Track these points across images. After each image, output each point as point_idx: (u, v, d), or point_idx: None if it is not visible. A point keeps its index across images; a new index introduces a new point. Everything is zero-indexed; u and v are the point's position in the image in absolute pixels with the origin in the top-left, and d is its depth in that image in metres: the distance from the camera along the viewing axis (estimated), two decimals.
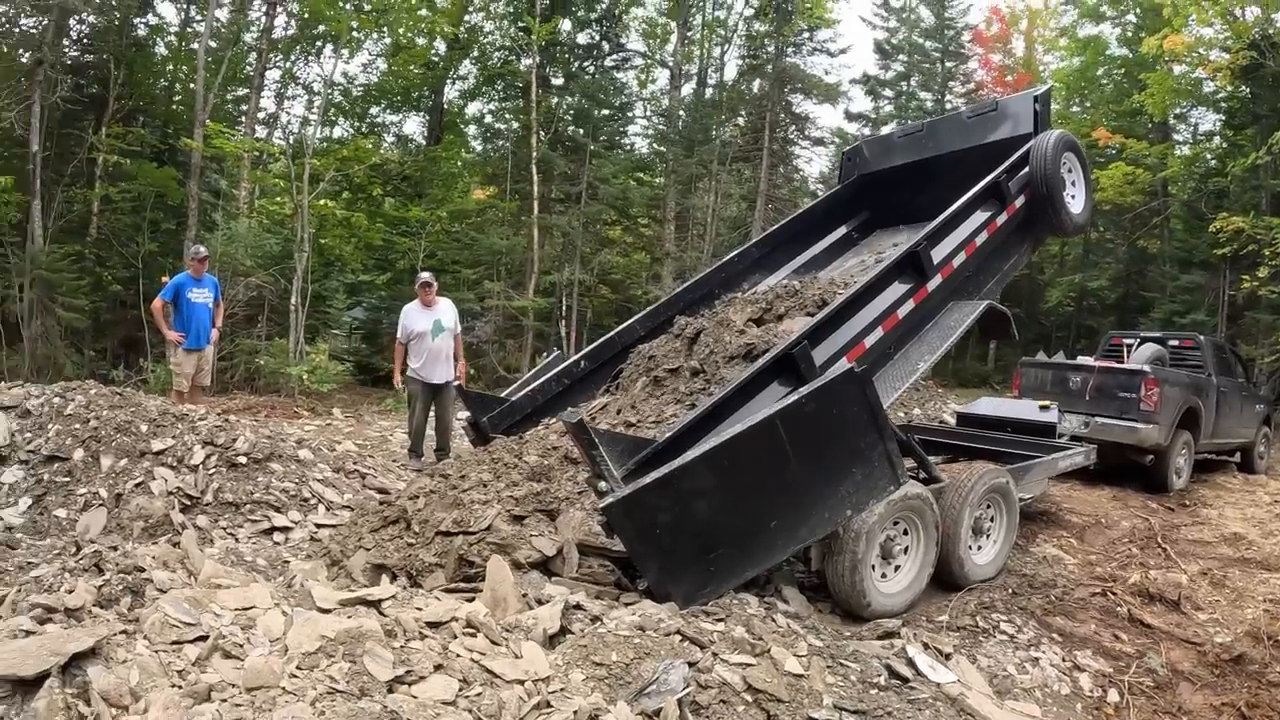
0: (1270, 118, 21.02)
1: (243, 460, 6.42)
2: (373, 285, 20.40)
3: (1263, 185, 21.42)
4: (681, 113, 27.22)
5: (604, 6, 25.57)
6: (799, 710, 3.23)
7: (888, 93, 34.10)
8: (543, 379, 7.02)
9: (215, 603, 3.45)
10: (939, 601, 5.45)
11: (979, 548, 6.02)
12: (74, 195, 17.57)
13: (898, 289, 5.77)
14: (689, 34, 27.45)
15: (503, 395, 7.08)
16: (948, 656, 4.39)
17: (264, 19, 20.63)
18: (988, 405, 10.30)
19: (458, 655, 3.18)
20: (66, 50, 18.15)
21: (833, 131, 31.74)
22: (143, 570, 3.79)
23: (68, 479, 5.85)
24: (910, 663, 3.99)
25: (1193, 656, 5.08)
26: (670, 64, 27.25)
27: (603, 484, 4.12)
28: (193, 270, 9.47)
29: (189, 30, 20.87)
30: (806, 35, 28.61)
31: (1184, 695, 4.59)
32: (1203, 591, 6.34)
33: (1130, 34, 28.24)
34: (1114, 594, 6.07)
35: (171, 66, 21.09)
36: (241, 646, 3.12)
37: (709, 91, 29.31)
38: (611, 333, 7.45)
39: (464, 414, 7.22)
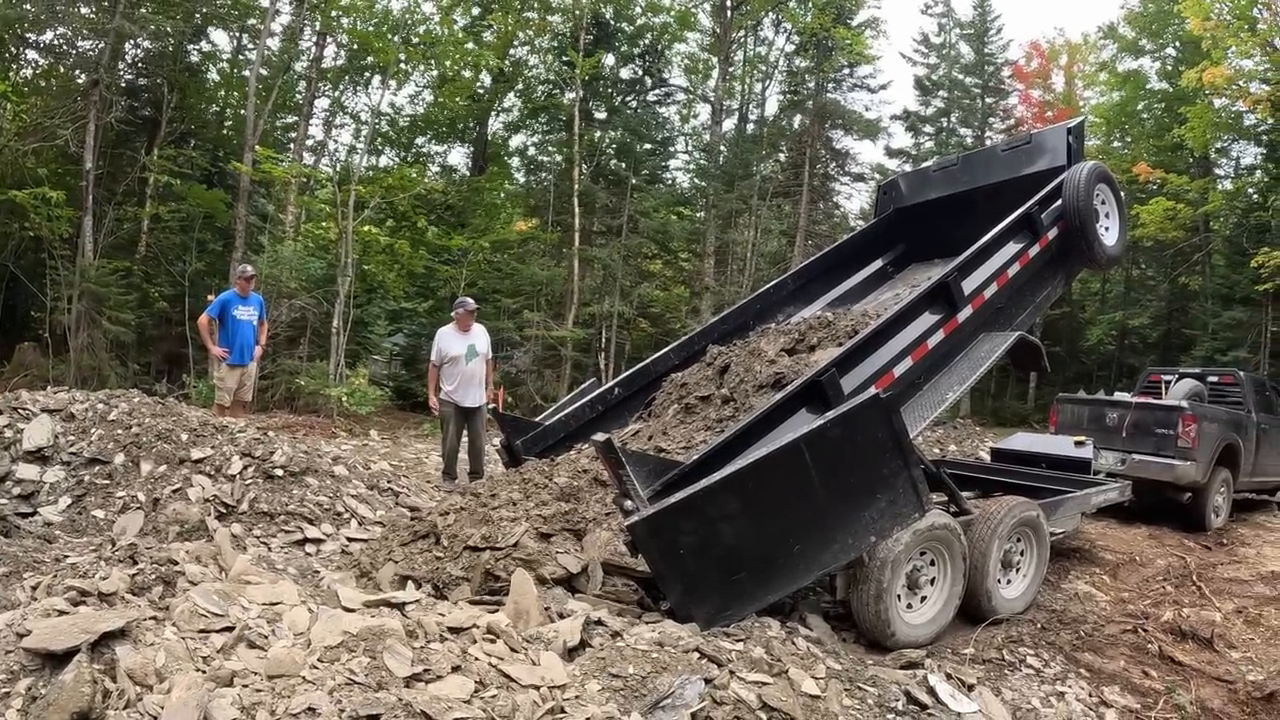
0: None
1: (279, 473, 6.56)
2: (414, 313, 20.65)
3: None
4: (722, 148, 27.39)
5: (647, 42, 25.85)
6: None
7: (928, 129, 34.13)
8: (577, 405, 7.10)
9: (244, 597, 3.59)
10: (965, 634, 5.41)
11: (1008, 581, 5.97)
12: (125, 213, 18.10)
13: (928, 319, 5.80)
14: (730, 69, 27.60)
15: (537, 420, 7.17)
16: (971, 688, 4.33)
17: (314, 49, 21.22)
18: (1022, 441, 10.21)
19: (476, 659, 3.24)
20: (122, 73, 18.80)
21: (873, 167, 31.82)
22: (176, 563, 3.92)
23: (107, 481, 6.03)
24: (931, 691, 3.95)
25: (1223, 694, 4.99)
26: (712, 99, 27.38)
27: (629, 503, 4.17)
28: (239, 288, 9.71)
29: (240, 57, 21.53)
30: (847, 71, 28.82)
31: None
32: (1237, 630, 6.22)
33: (1170, 68, 28.10)
34: (1145, 631, 5.98)
35: (223, 92, 21.73)
36: (266, 638, 3.24)
37: (750, 127, 29.50)
38: (646, 361, 7.53)
39: (499, 437, 7.31)
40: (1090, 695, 4.79)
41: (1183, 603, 6.85)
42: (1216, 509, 10.16)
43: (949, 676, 4.31)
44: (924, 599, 5.23)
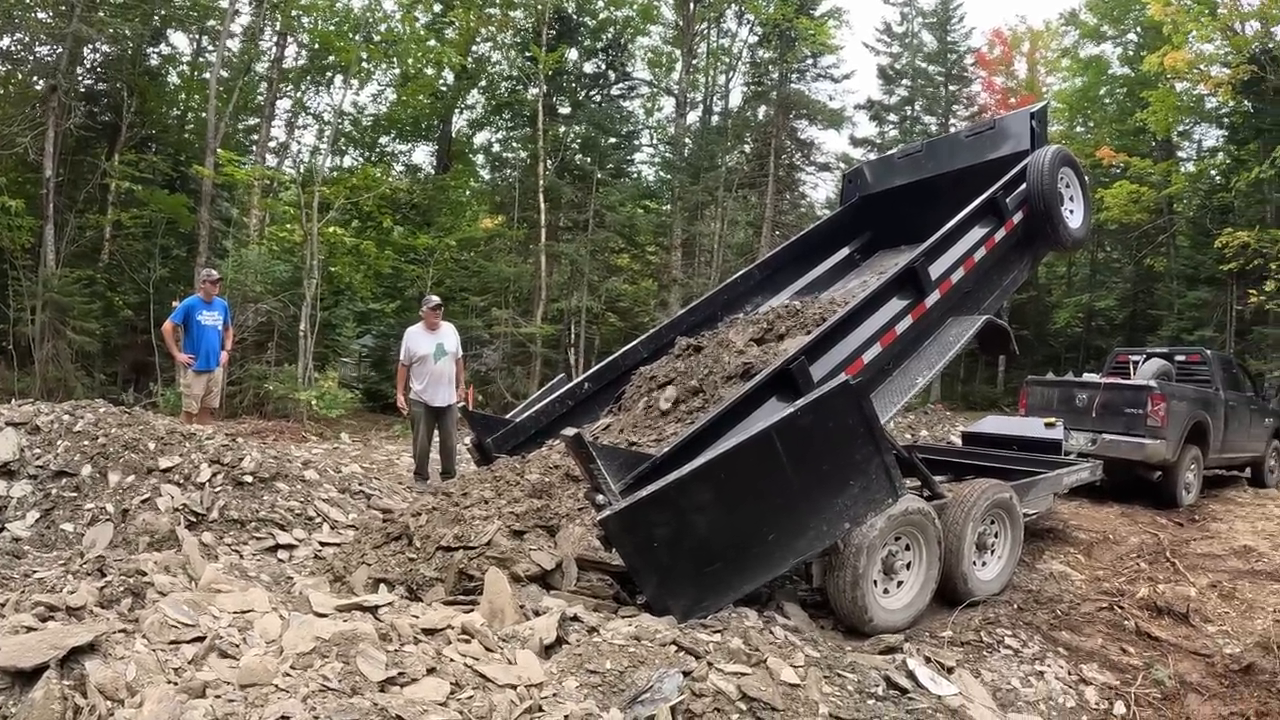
0: (1273, 131, 21.11)
1: (249, 479, 6.45)
2: (382, 313, 20.53)
3: (1267, 199, 21.50)
4: (687, 140, 27.41)
5: (610, 36, 25.81)
6: (794, 719, 3.23)
7: (892, 117, 34.39)
8: (547, 400, 7.07)
9: (214, 606, 3.54)
10: (943, 617, 5.43)
11: (983, 564, 6.01)
12: (87, 221, 17.83)
13: (896, 305, 5.81)
14: (694, 62, 27.64)
15: (507, 417, 7.12)
16: (950, 670, 4.34)
17: (274, 49, 20.98)
18: (993, 424, 10.28)
19: (451, 660, 3.21)
20: (80, 78, 18.49)
21: (838, 156, 31.95)
22: (144, 574, 3.87)
23: (75, 494, 5.92)
24: (910, 675, 3.96)
25: (1201, 668, 5.03)
26: (675, 92, 27.41)
27: (600, 497, 4.14)
28: (203, 293, 9.58)
29: (201, 60, 21.27)
30: (810, 62, 28.91)
31: (1192, 706, 4.54)
32: (1212, 604, 6.27)
33: (1131, 53, 28.43)
34: (1121, 608, 6.03)
35: (183, 95, 21.46)
36: (238, 647, 3.20)
37: (714, 119, 29.53)
38: (615, 355, 7.51)
39: (470, 435, 7.26)
40: (1069, 673, 4.83)
41: (1157, 579, 6.91)
42: (1188, 486, 10.28)
43: (928, 660, 4.33)
44: (900, 584, 5.24)
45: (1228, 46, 21.21)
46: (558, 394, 7.07)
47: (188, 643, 3.18)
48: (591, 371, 7.40)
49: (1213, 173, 25.29)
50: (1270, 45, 20.68)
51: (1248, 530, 9.05)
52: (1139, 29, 27.93)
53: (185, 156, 19.64)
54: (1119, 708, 4.48)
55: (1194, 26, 21.14)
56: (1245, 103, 22.60)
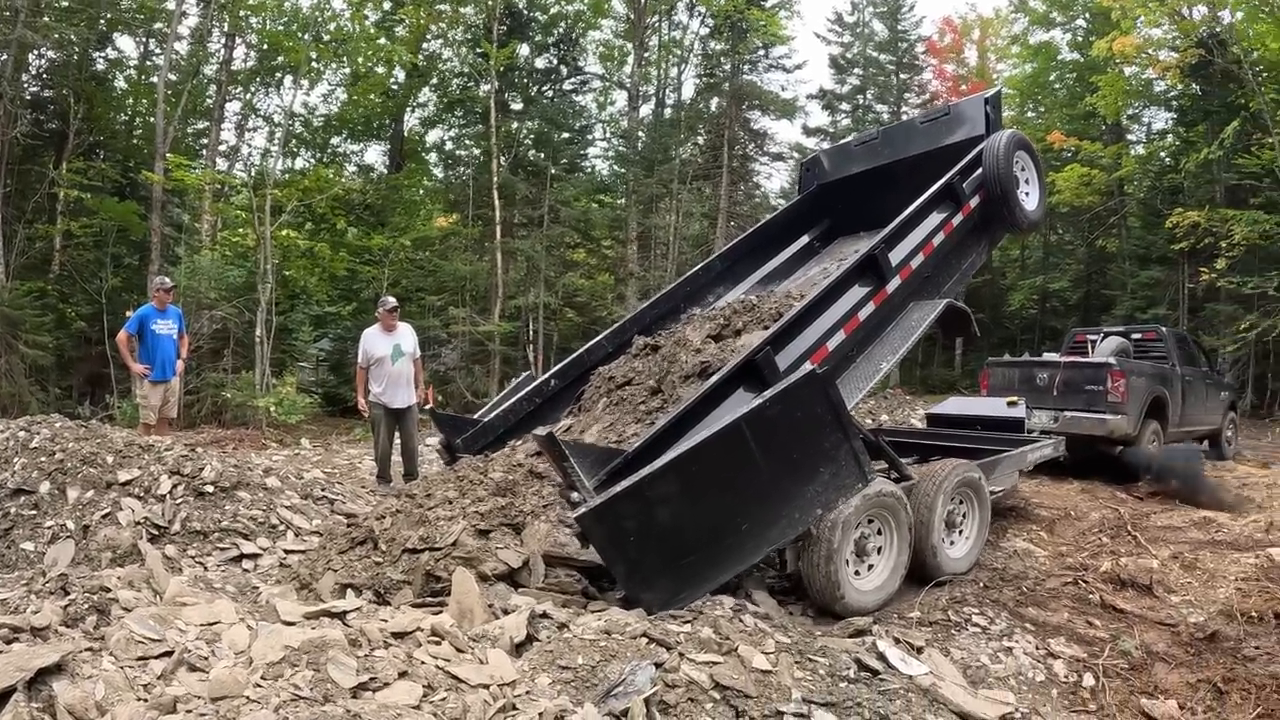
0: (1221, 113, 21.45)
1: (210, 489, 6.36)
2: (339, 316, 20.32)
3: (1216, 179, 21.86)
4: (640, 133, 27.43)
5: (561, 30, 25.75)
6: (767, 705, 3.23)
7: (844, 106, 34.62)
8: (514, 399, 7.02)
9: (181, 619, 3.48)
10: (911, 598, 5.47)
11: (952, 542, 6.06)
12: (35, 231, 17.52)
13: (858, 292, 5.84)
14: (646, 55, 27.66)
15: (475, 416, 7.07)
16: (920, 650, 4.37)
17: (223, 51, 20.66)
18: (956, 405, 10.41)
19: (422, 662, 3.18)
20: (26, 85, 18.12)
21: (791, 146, 32.23)
22: (108, 590, 3.79)
23: (34, 512, 5.81)
24: (881, 656, 3.98)
25: (1167, 637, 5.08)
26: (628, 85, 27.41)
27: (575, 494, 4.14)
28: (157, 302, 9.43)
29: (148, 63, 20.87)
30: (762, 53, 29.00)
31: (1159, 675, 4.57)
32: (1175, 575, 6.34)
33: (1080, 39, 28.74)
34: (1086, 582, 6.09)
35: (131, 100, 21.05)
36: (206, 659, 3.15)
37: (667, 111, 29.54)
38: (579, 351, 7.47)
39: (435, 438, 7.19)
40: (1037, 648, 4.85)
41: (1120, 552, 6.98)
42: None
43: (898, 641, 4.35)
44: (871, 567, 5.28)
45: (1175, 31, 21.53)
46: (524, 392, 7.02)
47: (156, 658, 3.12)
48: (558, 368, 7.35)
49: (1162, 155, 25.67)
50: (1217, 29, 21.02)
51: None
52: (1087, 15, 28.26)
53: (134, 163, 19.31)
54: (1088, 679, 4.51)
55: (1142, 12, 21.44)
56: (1193, 86, 22.99)
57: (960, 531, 6.18)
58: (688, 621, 3.87)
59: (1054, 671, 4.60)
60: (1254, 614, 5.30)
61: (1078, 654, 4.81)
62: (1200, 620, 5.32)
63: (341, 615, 3.66)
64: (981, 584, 5.89)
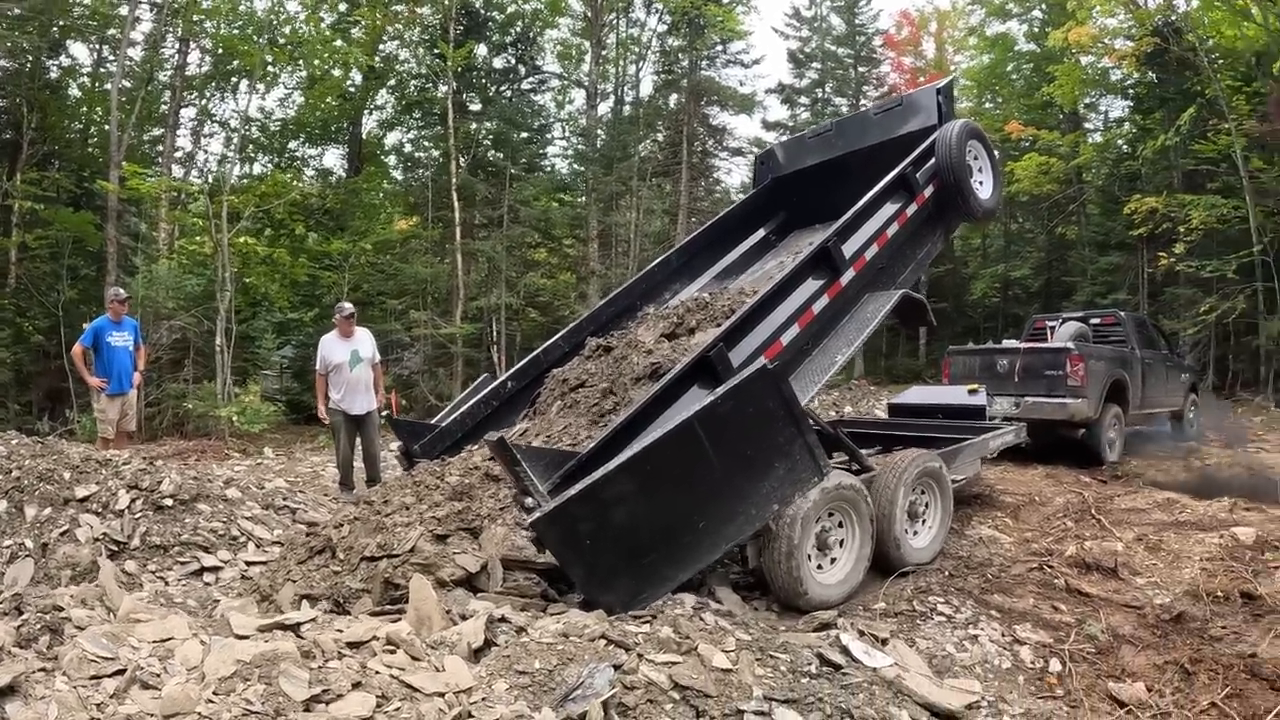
0: (1177, 100, 21.74)
1: (169, 502, 6.29)
2: (301, 322, 20.12)
3: (1173, 165, 22.15)
4: (599, 131, 27.39)
5: (518, 30, 25.66)
6: (728, 704, 3.22)
7: (803, 100, 34.72)
8: (471, 402, 6.97)
9: (133, 636, 3.44)
10: (876, 590, 5.48)
11: (915, 532, 6.08)
12: None
13: (811, 285, 5.83)
14: (603, 53, 27.62)
15: (433, 421, 7.02)
16: (884, 641, 4.38)
17: (177, 56, 20.36)
18: (917, 394, 10.49)
19: (377, 673, 3.15)
20: None
21: (751, 141, 32.20)
22: (61, 609, 3.77)
23: None
24: (844, 650, 3.97)
25: (1133, 620, 5.11)
26: (586, 83, 27.41)
27: (529, 500, 4.10)
28: (112, 313, 9.28)
29: (102, 70, 20.53)
30: (720, 48, 29.17)
31: (1126, 657, 4.60)
32: (1139, 557, 6.38)
33: (1037, 29, 29.05)
34: (1051, 567, 6.13)
35: (85, 108, 20.69)
36: (159, 676, 3.12)
37: (626, 109, 29.57)
38: (537, 351, 7.42)
39: (396, 443, 7.13)
40: (1003, 635, 4.87)
41: (1084, 536, 7.03)
42: (1110, 443, 10.58)
43: (861, 634, 4.36)
44: (834, 560, 5.28)
45: (1131, 20, 21.82)
46: (482, 395, 6.96)
47: (109, 676, 3.08)
48: (514, 370, 7.30)
49: (1119, 142, 26.01)
50: (1173, 17, 21.33)
51: (1170, 483, 9.29)
52: (1044, 6, 28.58)
53: (89, 172, 18.99)
54: (1054, 665, 4.53)
55: (1097, 1, 21.70)
56: (1149, 74, 23.30)
57: (923, 521, 6.20)
58: (647, 621, 3.86)
59: (1020, 658, 4.62)
60: (1220, 594, 5.36)
61: (1044, 639, 4.82)
62: (1166, 601, 5.36)
63: (295, 627, 3.62)
64: (946, 573, 5.92)
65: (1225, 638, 4.74)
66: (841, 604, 5.09)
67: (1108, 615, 5.18)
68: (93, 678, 3.06)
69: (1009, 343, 11.75)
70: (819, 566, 5.16)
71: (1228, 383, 21.68)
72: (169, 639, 3.47)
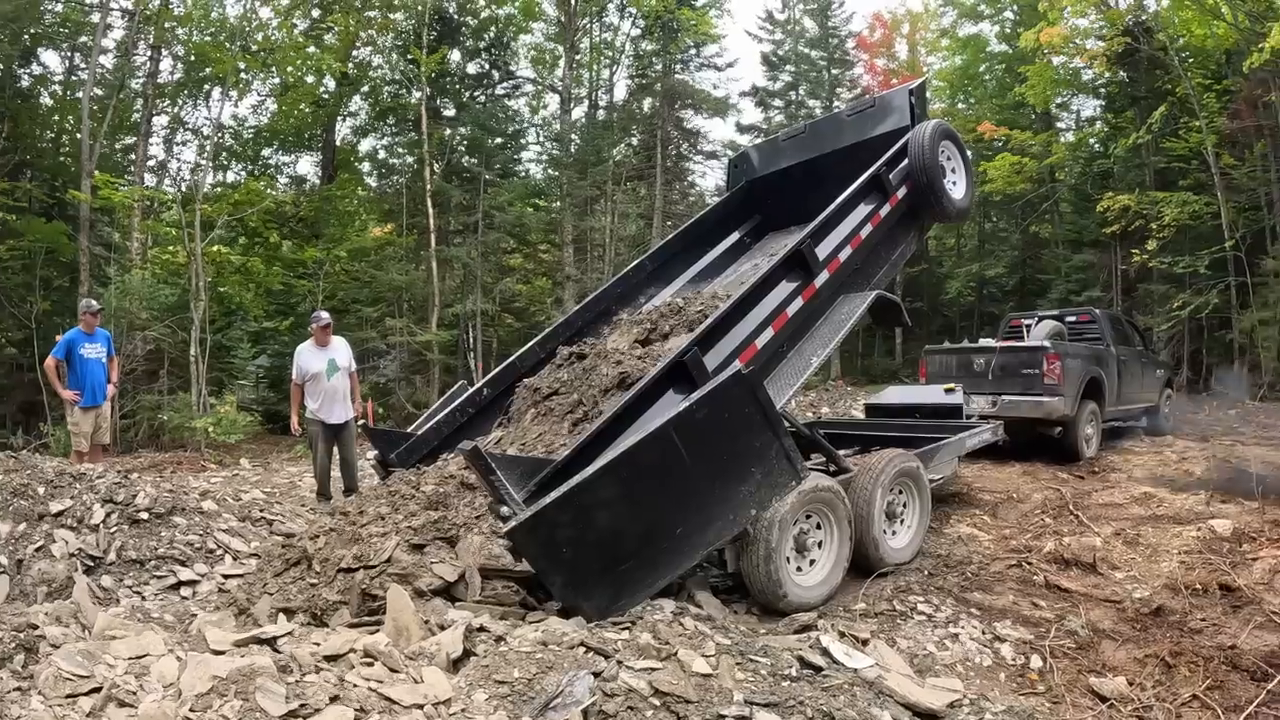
0: (1148, 98, 22.02)
1: (144, 516, 6.23)
2: (276, 331, 19.97)
3: (1145, 163, 22.40)
4: (574, 136, 27.35)
5: (492, 35, 25.62)
6: (709, 709, 3.21)
7: (777, 103, 34.94)
8: (447, 410, 6.94)
9: (109, 653, 3.40)
10: (856, 590, 5.49)
11: (893, 532, 6.12)
12: None
13: (786, 288, 5.85)
14: (577, 57, 27.67)
15: (409, 430, 6.98)
16: (865, 642, 4.39)
17: (149, 64, 20.13)
18: (894, 394, 10.54)
19: (355, 685, 3.12)
20: None
21: (725, 144, 32.39)
22: (35, 627, 3.70)
23: None
24: (825, 652, 3.97)
25: (1113, 614, 5.17)
26: (560, 88, 27.35)
27: (505, 509, 4.08)
28: (84, 325, 9.19)
29: (74, 79, 20.31)
30: (694, 52, 29.26)
31: (1107, 652, 4.64)
32: (1118, 552, 6.46)
33: (1008, 30, 29.34)
34: (1030, 564, 6.19)
35: (57, 117, 20.47)
36: (135, 694, 3.07)
37: (600, 113, 29.52)
38: (513, 357, 7.40)
39: (372, 452, 7.09)
40: (984, 633, 4.90)
41: (1063, 532, 7.09)
42: (1088, 439, 10.67)
43: (842, 635, 4.36)
44: (813, 562, 5.31)
45: (1102, 20, 22.06)
46: (458, 402, 6.93)
47: (85, 695, 3.05)
48: (489, 377, 7.26)
49: (1092, 141, 26.37)
50: (1143, 17, 21.58)
51: (1147, 477, 9.38)
52: (1015, 7, 28.90)
53: (61, 181, 18.77)
54: (1035, 661, 4.55)
55: (1069, 2, 21.96)
56: (1121, 73, 23.60)
57: (902, 521, 6.23)
58: (626, 628, 3.85)
59: (1001, 655, 4.65)
60: (1198, 586, 5.42)
61: (1024, 636, 4.86)
62: (1145, 595, 5.41)
63: (272, 641, 3.58)
64: (926, 572, 5.95)
65: (1205, 630, 4.80)
66: (821, 605, 5.10)
67: (1087, 610, 5.23)
68: (69, 696, 3.02)
69: (985, 341, 11.82)
70: (798, 569, 5.18)
71: (1202, 377, 21.92)
72: (145, 655, 3.43)
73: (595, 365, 6.04)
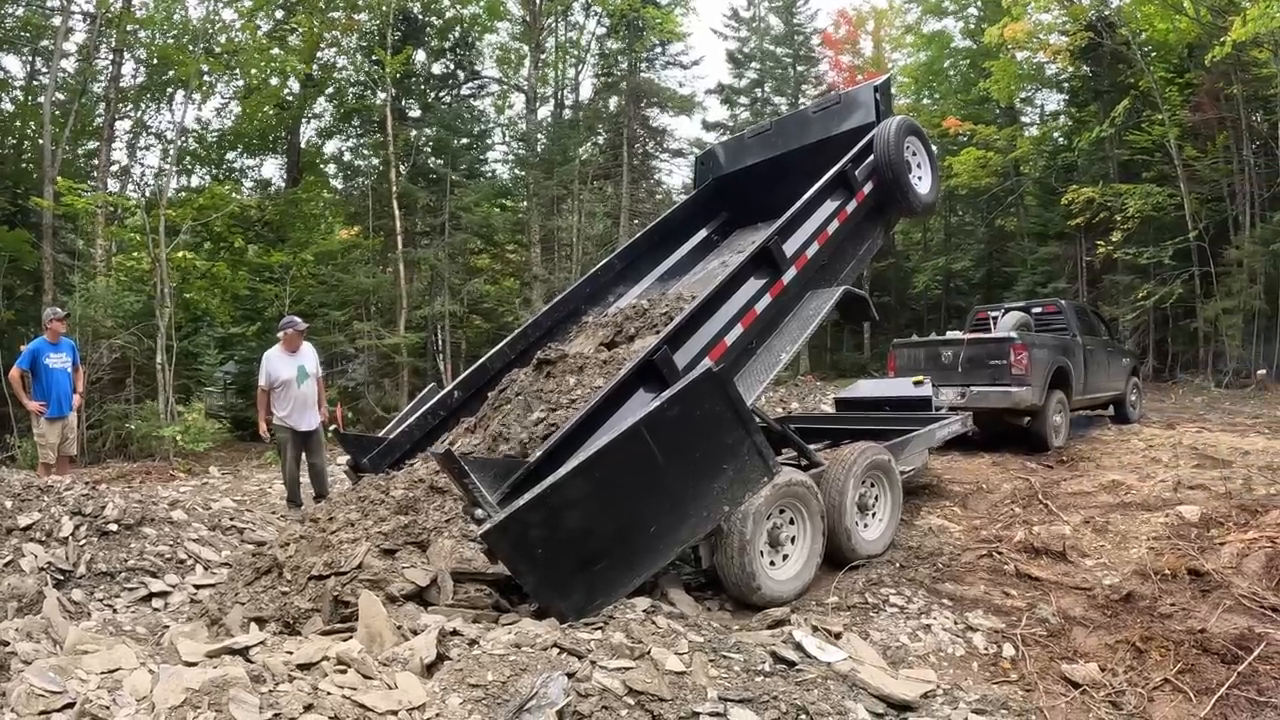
0: (1111, 92, 22.28)
1: (113, 528, 6.18)
2: (243, 337, 19.75)
3: (1109, 156, 22.66)
4: (540, 135, 27.29)
5: (457, 35, 25.53)
6: (683, 706, 3.22)
7: (743, 100, 35.07)
8: (419, 413, 6.92)
9: (81, 668, 3.35)
10: (829, 584, 5.52)
11: (865, 525, 6.15)
12: None
13: (754, 285, 5.87)
14: (543, 57, 27.59)
15: (380, 435, 6.95)
16: (838, 636, 4.40)
17: (111, 67, 19.87)
18: (865, 388, 10.59)
19: (329, 693, 3.10)
20: None
21: (691, 142, 32.48)
22: (6, 644, 3.70)
23: None
24: (798, 647, 3.99)
25: (1083, 602, 5.20)
26: (525, 88, 27.29)
27: (479, 511, 4.08)
28: (49, 334, 9.07)
29: (35, 83, 19.98)
30: (659, 50, 29.35)
31: (1078, 639, 4.67)
32: (1087, 539, 6.51)
33: (973, 26, 29.57)
34: (1000, 553, 6.24)
35: (19, 122, 20.10)
36: (108, 709, 3.05)
37: (566, 112, 29.45)
38: (483, 359, 7.39)
39: (344, 458, 7.05)
40: (956, 623, 4.94)
41: (1032, 521, 7.14)
42: (1056, 428, 10.76)
43: (815, 629, 4.38)
44: (786, 556, 5.33)
45: (1065, 15, 22.27)
46: (429, 405, 6.92)
47: (58, 711, 3.01)
48: (460, 379, 7.25)
49: (1055, 135, 26.60)
50: (1106, 12, 21.82)
51: (1115, 465, 9.48)
52: (980, 3, 29.16)
53: (23, 188, 18.46)
54: (1007, 649, 4.59)
55: None
56: (1084, 68, 23.85)
57: (873, 514, 6.27)
58: (599, 628, 3.85)
59: (974, 645, 4.69)
60: (1167, 572, 5.46)
61: (996, 625, 4.89)
62: (1115, 582, 5.46)
63: (245, 651, 3.56)
64: (898, 564, 6.00)
65: (1175, 615, 4.84)
66: (795, 599, 5.13)
67: (1058, 598, 5.28)
68: (41, 713, 2.98)
69: (953, 334, 11.92)
70: (771, 563, 5.21)
71: (1168, 365, 22.21)
72: (117, 669, 3.39)
73: (562, 375, 6.04)
